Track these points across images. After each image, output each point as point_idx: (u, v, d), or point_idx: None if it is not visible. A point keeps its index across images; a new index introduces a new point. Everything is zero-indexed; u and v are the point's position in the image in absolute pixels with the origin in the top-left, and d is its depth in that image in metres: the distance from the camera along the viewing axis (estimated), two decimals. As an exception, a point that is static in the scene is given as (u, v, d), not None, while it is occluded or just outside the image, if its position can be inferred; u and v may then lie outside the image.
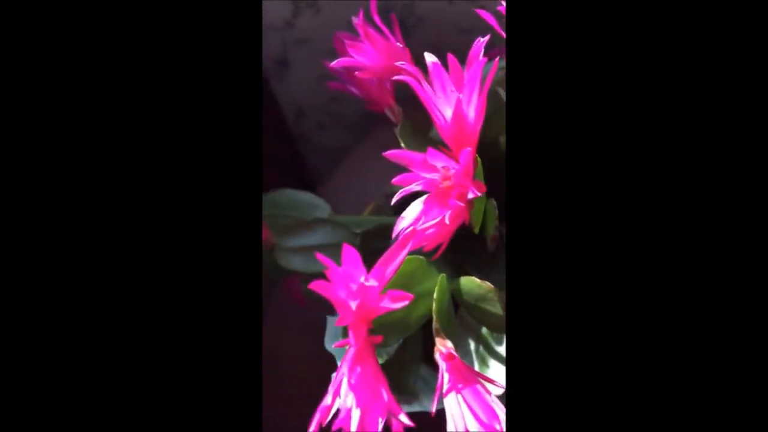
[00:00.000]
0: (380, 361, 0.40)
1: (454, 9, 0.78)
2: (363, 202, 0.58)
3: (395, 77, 0.38)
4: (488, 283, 0.39)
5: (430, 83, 0.36)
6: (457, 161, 0.35)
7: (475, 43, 0.37)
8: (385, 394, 0.32)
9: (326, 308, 0.71)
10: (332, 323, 0.46)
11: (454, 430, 0.34)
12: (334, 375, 0.35)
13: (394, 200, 0.37)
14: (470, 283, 0.40)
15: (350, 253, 0.33)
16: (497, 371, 0.39)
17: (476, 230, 0.39)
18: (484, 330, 0.41)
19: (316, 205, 0.54)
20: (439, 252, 0.37)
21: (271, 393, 0.73)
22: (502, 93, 0.42)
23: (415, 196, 0.37)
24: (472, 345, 0.41)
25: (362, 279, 0.33)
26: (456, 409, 0.33)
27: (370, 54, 0.40)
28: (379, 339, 0.34)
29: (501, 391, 0.35)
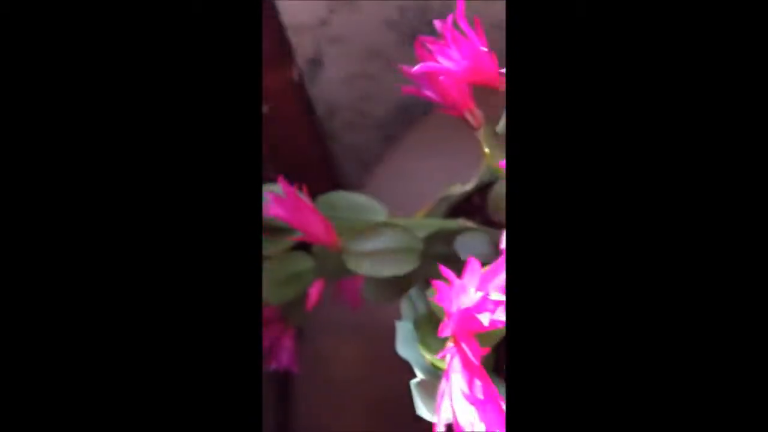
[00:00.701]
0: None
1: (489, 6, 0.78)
2: (414, 203, 0.58)
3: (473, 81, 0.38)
4: None
5: None
6: None
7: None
8: (504, 406, 0.32)
9: (376, 312, 0.71)
10: (403, 329, 0.45)
11: None
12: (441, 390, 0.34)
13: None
14: None
15: (473, 265, 0.33)
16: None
17: None
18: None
19: (373, 207, 0.54)
20: None
21: (313, 394, 0.72)
22: None
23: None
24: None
25: (472, 292, 0.33)
26: None
27: (455, 58, 0.39)
28: (487, 350, 0.34)
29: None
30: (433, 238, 0.50)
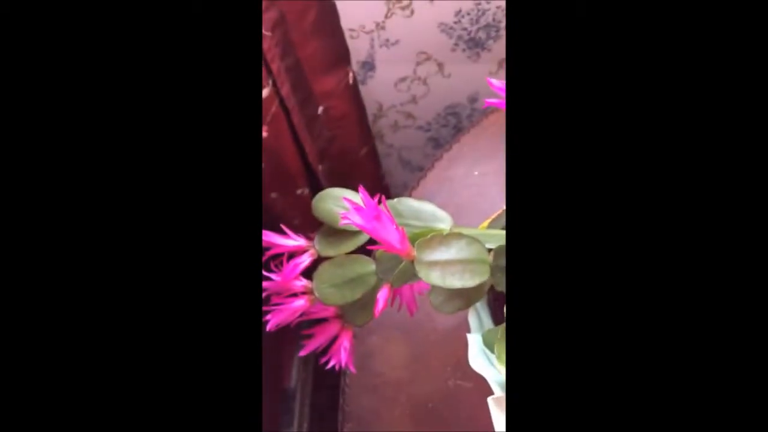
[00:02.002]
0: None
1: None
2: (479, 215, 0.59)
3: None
4: None
5: None
6: None
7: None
8: None
9: (431, 318, 0.72)
10: (474, 342, 0.46)
11: None
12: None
13: None
14: None
15: None
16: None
17: None
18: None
19: (439, 216, 0.54)
20: None
21: (359, 390, 0.74)
22: None
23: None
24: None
25: None
26: None
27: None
28: None
29: None
30: (499, 250, 0.51)
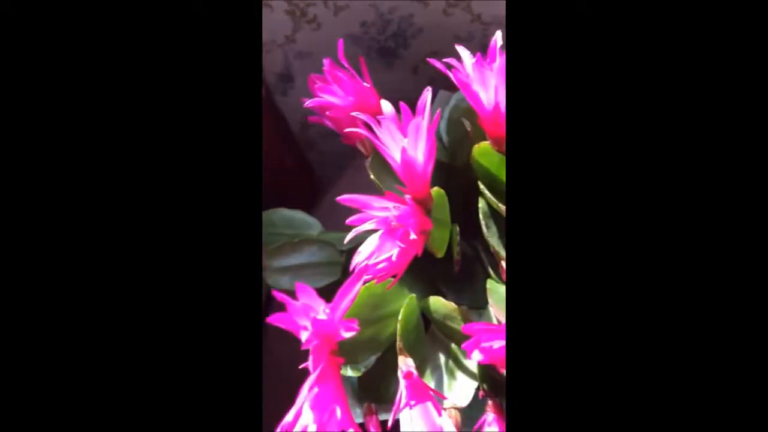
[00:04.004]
0: (357, 374, 0.44)
1: (450, 20, 0.81)
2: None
3: (348, 130, 0.41)
4: (452, 303, 0.42)
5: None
6: (405, 202, 0.38)
7: (423, 91, 0.40)
8: (339, 412, 0.35)
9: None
10: None
11: None
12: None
13: (346, 240, 0.40)
14: (437, 302, 0.43)
15: (303, 289, 0.36)
16: (464, 383, 0.42)
17: (439, 255, 0.42)
18: (453, 345, 0.44)
19: (309, 223, 0.56)
20: (393, 283, 0.41)
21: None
22: (467, 123, 0.45)
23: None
24: (443, 359, 0.44)
25: (321, 310, 0.36)
26: (408, 423, 0.37)
27: (338, 94, 0.43)
28: (341, 360, 0.37)
29: (450, 404, 0.39)
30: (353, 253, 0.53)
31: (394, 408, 0.37)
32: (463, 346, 0.37)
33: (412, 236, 0.37)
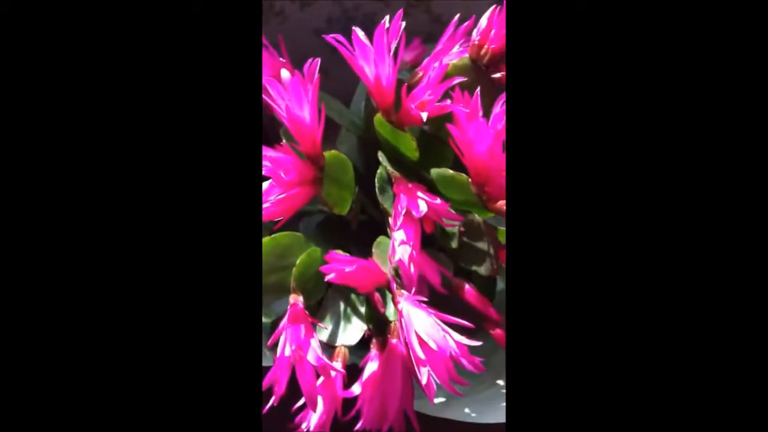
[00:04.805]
0: (268, 320, 0.49)
1: (409, 20, 0.86)
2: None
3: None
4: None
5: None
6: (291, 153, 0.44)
7: (315, 60, 0.46)
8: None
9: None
10: None
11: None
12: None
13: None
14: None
15: None
16: (356, 326, 0.48)
17: (338, 212, 0.48)
18: (353, 295, 0.49)
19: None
20: (278, 225, 0.46)
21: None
22: (427, 129, 0.50)
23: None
24: (342, 306, 0.49)
25: None
26: (283, 340, 0.43)
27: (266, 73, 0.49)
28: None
29: (326, 331, 0.45)
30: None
31: (276, 332, 0.43)
32: (321, 268, 0.43)
33: (284, 176, 0.43)
